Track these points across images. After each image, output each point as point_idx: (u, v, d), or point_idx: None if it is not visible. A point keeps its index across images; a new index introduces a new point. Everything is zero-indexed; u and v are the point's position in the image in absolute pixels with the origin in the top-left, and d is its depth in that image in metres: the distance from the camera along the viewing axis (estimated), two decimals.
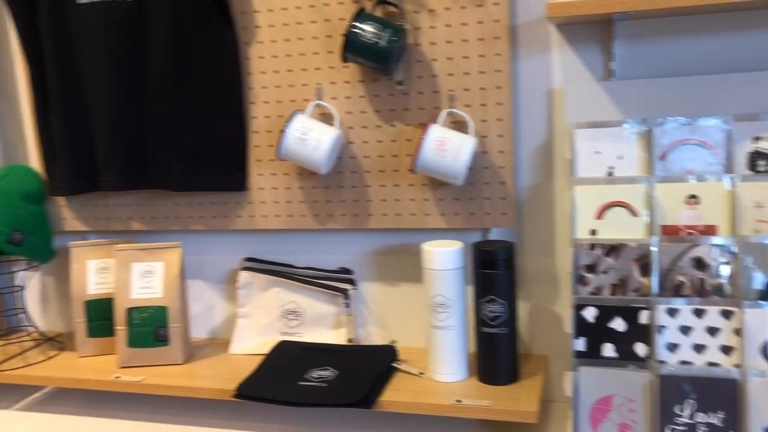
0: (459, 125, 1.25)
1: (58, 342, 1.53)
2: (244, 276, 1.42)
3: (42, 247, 1.45)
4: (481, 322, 1.20)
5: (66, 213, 1.52)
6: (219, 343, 1.48)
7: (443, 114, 1.23)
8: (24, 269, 1.51)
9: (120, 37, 1.35)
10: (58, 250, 1.53)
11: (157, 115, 1.37)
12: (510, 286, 1.19)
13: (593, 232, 1.14)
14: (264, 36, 1.32)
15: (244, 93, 1.36)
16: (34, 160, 1.55)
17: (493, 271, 1.17)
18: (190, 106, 1.36)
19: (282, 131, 1.25)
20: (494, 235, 1.30)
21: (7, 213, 1.38)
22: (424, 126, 1.26)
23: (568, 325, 1.13)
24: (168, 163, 1.38)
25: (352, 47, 1.20)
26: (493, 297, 1.18)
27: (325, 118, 1.32)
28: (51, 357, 1.44)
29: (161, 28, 1.33)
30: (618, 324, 1.10)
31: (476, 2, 1.20)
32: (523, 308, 1.31)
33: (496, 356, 1.20)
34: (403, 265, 1.37)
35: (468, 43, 1.22)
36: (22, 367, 1.39)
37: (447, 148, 1.18)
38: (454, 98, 1.24)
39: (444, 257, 1.19)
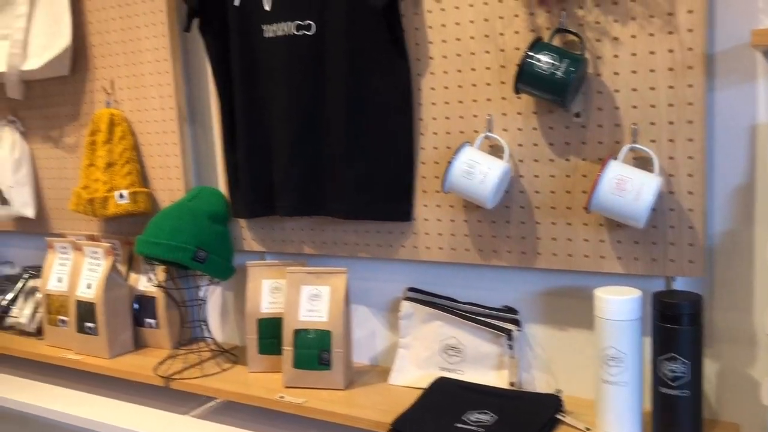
0: (642, 162, 1.14)
1: (233, 355, 1.61)
2: (406, 306, 1.41)
3: (223, 265, 1.54)
4: (659, 380, 1.08)
5: (246, 234, 1.61)
6: (379, 370, 1.48)
7: (624, 149, 1.13)
8: (207, 284, 1.62)
9: (300, 70, 1.40)
10: (237, 268, 1.63)
11: (331, 145, 1.41)
12: (695, 344, 1.06)
13: None
14: (436, 67, 1.31)
15: (414, 124, 1.35)
16: (221, 182, 1.66)
17: (676, 326, 1.05)
18: (361, 137, 1.37)
19: (449, 163, 1.22)
20: (679, 284, 1.17)
21: (194, 232, 1.49)
22: (602, 161, 1.17)
23: (767, 396, 0.98)
24: (338, 192, 1.41)
25: (527, 78, 1.14)
26: (674, 355, 1.06)
27: (495, 150, 1.27)
28: (225, 370, 1.53)
29: (339, 60, 1.36)
30: None
31: (667, 29, 1.09)
32: (709, 368, 1.16)
33: (676, 420, 1.07)
34: (572, 309, 1.28)
35: (656, 73, 1.11)
36: (199, 377, 1.49)
37: (627, 187, 1.08)
38: (637, 132, 1.14)
39: (619, 306, 1.09)
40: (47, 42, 1.74)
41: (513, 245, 1.28)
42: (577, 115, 1.19)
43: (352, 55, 1.35)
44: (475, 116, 1.28)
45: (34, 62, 1.74)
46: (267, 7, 1.42)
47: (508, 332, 1.30)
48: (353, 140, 1.38)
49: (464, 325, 1.34)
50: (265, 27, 1.43)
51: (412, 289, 1.42)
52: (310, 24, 1.38)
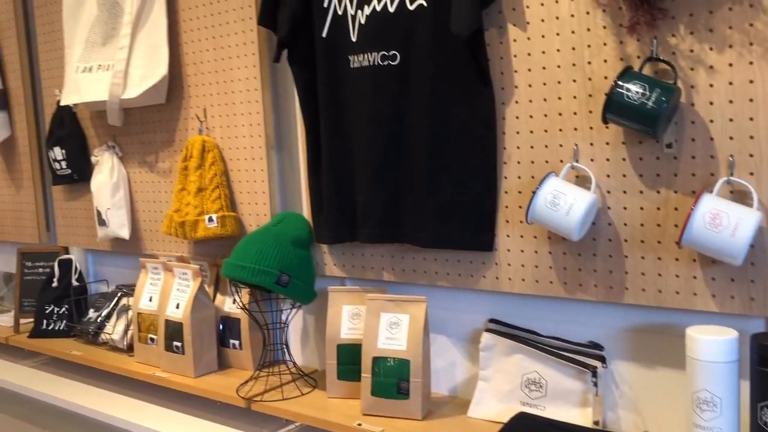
0: (739, 196, 1.09)
1: (312, 379, 1.63)
2: (487, 338, 1.38)
3: (305, 289, 1.56)
4: (758, 429, 1.02)
5: (327, 259, 1.63)
6: (458, 402, 1.46)
7: (720, 182, 1.08)
8: (289, 308, 1.65)
9: (384, 99, 1.42)
10: (318, 293, 1.65)
11: (413, 173, 1.41)
12: None
13: None
14: (521, 96, 1.30)
15: (498, 153, 1.34)
16: (305, 208, 1.69)
17: None
18: (443, 166, 1.37)
19: (533, 193, 1.20)
20: None
21: (278, 256, 1.52)
22: (695, 195, 1.12)
23: None
24: (419, 220, 1.41)
25: (615, 108, 1.11)
26: None
27: (581, 180, 1.24)
28: (304, 394, 1.54)
29: (423, 89, 1.37)
30: None
31: None
32: None
33: None
34: (662, 347, 1.22)
35: (755, 103, 1.06)
36: (280, 400, 1.51)
37: (723, 222, 1.03)
38: (734, 165, 1.09)
39: (713, 347, 1.04)
40: (146, 72, 1.84)
41: (599, 279, 1.24)
42: (669, 145, 1.15)
43: (436, 84, 1.36)
44: (560, 146, 1.26)
45: (133, 91, 1.84)
46: (353, 38, 1.45)
47: (593, 369, 1.25)
48: (436, 169, 1.38)
49: (547, 359, 1.31)
50: (351, 57, 1.46)
51: (493, 321, 1.40)
52: (395, 54, 1.40)
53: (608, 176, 1.21)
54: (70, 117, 2.14)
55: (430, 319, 1.51)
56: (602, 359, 1.27)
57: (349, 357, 1.50)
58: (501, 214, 1.35)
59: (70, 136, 2.13)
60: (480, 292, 1.43)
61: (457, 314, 1.48)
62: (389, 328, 1.42)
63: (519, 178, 1.32)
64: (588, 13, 1.20)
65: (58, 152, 2.13)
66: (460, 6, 1.28)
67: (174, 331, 1.70)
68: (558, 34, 1.24)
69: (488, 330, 1.39)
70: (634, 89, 1.09)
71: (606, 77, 1.19)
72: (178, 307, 1.71)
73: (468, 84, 1.34)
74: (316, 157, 1.58)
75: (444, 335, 1.50)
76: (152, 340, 1.79)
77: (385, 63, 1.41)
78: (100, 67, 1.92)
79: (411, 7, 1.37)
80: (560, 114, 1.25)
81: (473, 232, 1.37)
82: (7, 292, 2.58)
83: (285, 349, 1.68)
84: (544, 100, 1.27)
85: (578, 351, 1.29)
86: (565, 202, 1.17)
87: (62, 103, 2.04)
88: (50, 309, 2.13)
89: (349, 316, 1.53)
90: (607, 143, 1.21)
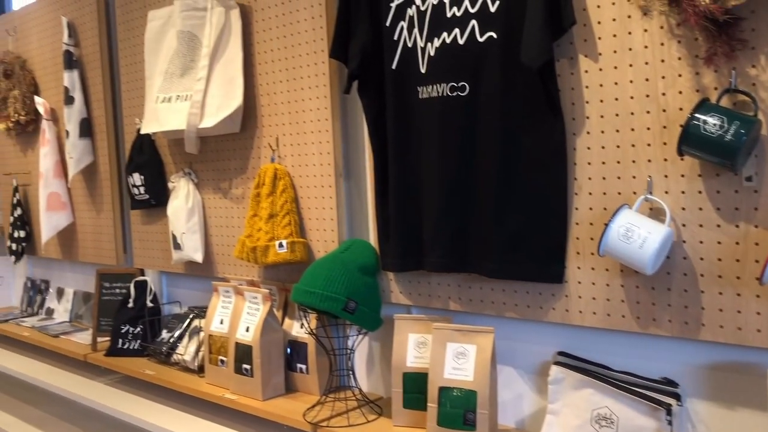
0: None
1: (377, 406, 1.64)
2: (556, 371, 1.36)
3: (371, 316, 1.58)
4: None
5: (393, 287, 1.64)
6: None
7: None
8: (355, 334, 1.67)
9: (453, 129, 1.44)
10: (384, 320, 1.66)
11: (481, 203, 1.42)
12: None
13: None
14: (593, 126, 1.29)
15: (569, 184, 1.33)
16: (372, 236, 1.71)
17: None
18: (512, 196, 1.37)
19: (605, 225, 1.18)
20: None
21: (345, 282, 1.54)
22: None
23: None
24: (487, 250, 1.41)
25: (692, 140, 1.09)
26: None
27: (655, 213, 1.22)
28: (369, 421, 1.55)
29: (492, 120, 1.38)
30: None
31: None
32: None
33: None
34: (742, 387, 1.18)
35: None
36: (345, 426, 1.52)
37: None
38: None
39: None
40: (222, 102, 1.91)
41: (674, 314, 1.21)
42: (749, 179, 1.12)
43: (505, 114, 1.37)
44: (633, 177, 1.24)
45: (209, 121, 1.91)
46: (422, 70, 1.47)
47: (668, 406, 1.22)
48: (504, 199, 1.38)
49: (618, 395, 1.28)
50: (420, 89, 1.48)
51: (562, 354, 1.38)
52: (464, 85, 1.41)
53: (683, 209, 1.19)
54: (149, 144, 2.24)
55: (497, 349, 1.50)
56: (677, 396, 1.23)
57: (415, 386, 1.50)
58: (572, 246, 1.33)
59: (149, 163, 2.22)
60: (549, 324, 1.42)
61: (525, 346, 1.46)
62: (456, 358, 1.42)
63: (590, 209, 1.30)
64: (662, 44, 1.19)
65: (137, 178, 2.22)
66: (530, 37, 1.29)
67: (243, 353, 1.74)
68: (631, 66, 1.23)
69: (557, 363, 1.36)
70: (711, 121, 1.07)
71: (681, 109, 1.17)
72: (248, 330, 1.75)
73: (538, 114, 1.34)
74: (383, 186, 1.60)
75: (511, 366, 1.49)
76: (222, 362, 1.84)
77: (454, 94, 1.43)
78: (178, 98, 2.00)
79: (481, 39, 1.39)
80: (633, 145, 1.24)
81: (543, 264, 1.36)
82: (85, 311, 2.69)
83: (351, 375, 1.69)
84: (617, 131, 1.26)
85: (651, 387, 1.26)
86: (639, 235, 1.15)
87: (142, 132, 2.13)
88: (126, 329, 2.21)
89: (415, 345, 1.54)
90: (683, 175, 1.19)
